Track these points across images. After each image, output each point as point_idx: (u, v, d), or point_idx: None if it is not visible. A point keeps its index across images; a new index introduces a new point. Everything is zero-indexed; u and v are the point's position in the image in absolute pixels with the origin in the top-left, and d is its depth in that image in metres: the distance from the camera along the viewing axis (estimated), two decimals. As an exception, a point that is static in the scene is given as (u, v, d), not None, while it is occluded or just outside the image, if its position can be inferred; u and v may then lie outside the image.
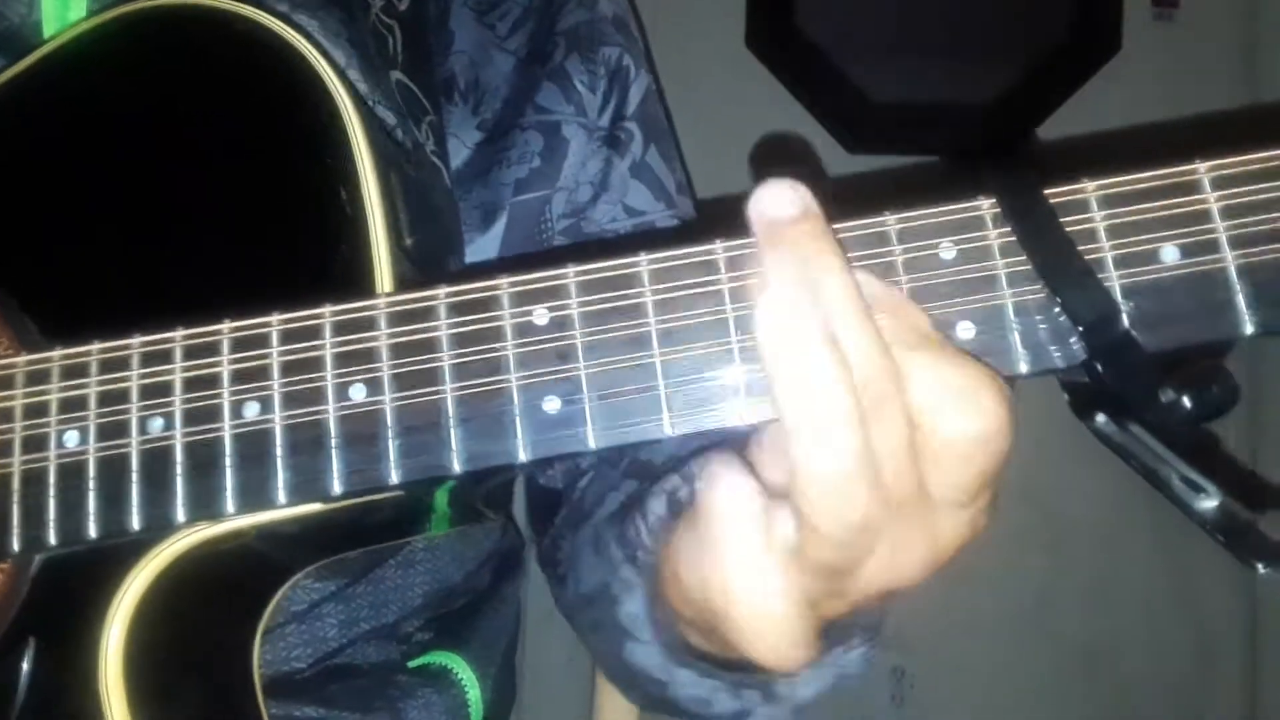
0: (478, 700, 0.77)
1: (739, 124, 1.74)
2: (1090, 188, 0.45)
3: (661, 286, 0.46)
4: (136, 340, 0.48)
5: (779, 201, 0.43)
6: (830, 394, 0.39)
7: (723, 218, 0.46)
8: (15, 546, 0.48)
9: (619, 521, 0.63)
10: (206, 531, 0.48)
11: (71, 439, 0.48)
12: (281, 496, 0.46)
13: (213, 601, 0.50)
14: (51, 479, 0.48)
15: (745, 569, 0.43)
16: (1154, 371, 0.40)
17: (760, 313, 0.41)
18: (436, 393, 0.46)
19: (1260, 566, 0.38)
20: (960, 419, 0.40)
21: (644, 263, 0.46)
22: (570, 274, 0.46)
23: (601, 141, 0.74)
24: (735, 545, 0.43)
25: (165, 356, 0.48)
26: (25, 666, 0.48)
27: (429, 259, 0.56)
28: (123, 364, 0.48)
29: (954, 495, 0.42)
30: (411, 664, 0.74)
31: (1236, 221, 0.43)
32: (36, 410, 0.49)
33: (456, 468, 0.45)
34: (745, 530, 0.43)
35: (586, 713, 0.98)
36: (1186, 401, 0.39)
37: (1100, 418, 0.44)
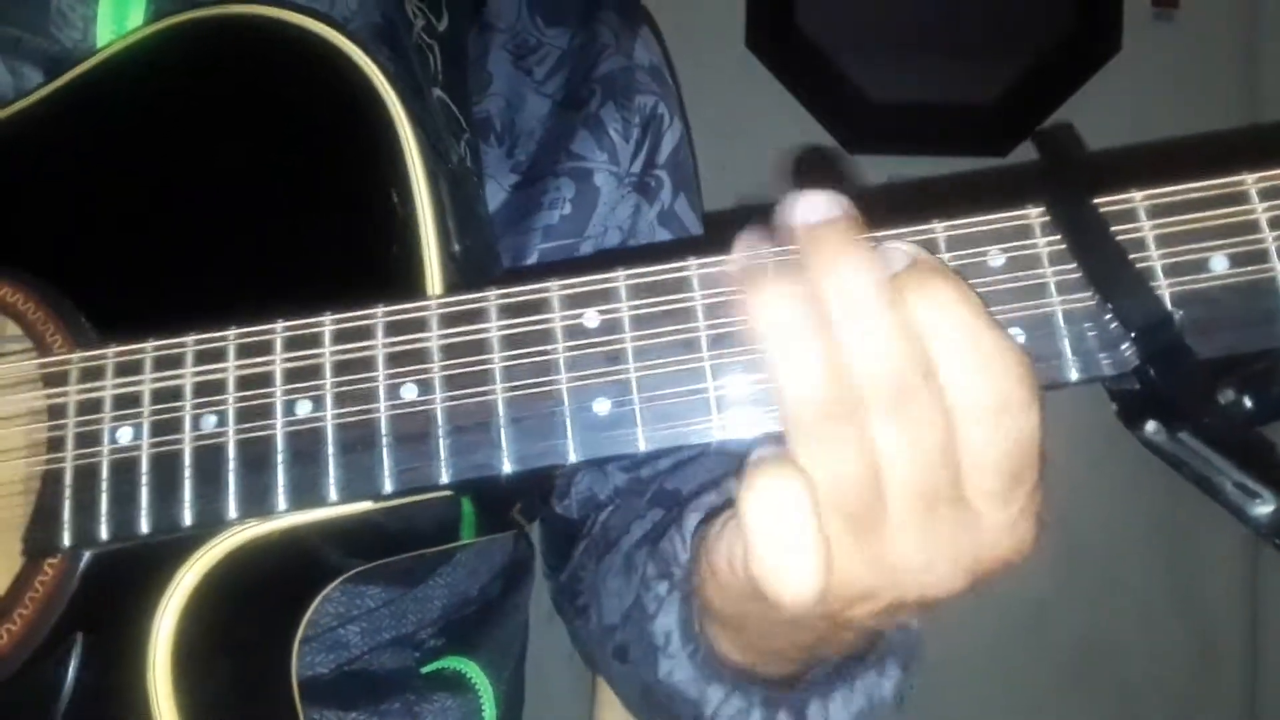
0: (492, 706, 0.77)
1: (739, 124, 1.75)
2: (1138, 197, 0.45)
3: (711, 291, 0.46)
4: (190, 338, 0.48)
5: (811, 206, 0.43)
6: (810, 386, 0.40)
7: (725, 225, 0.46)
8: (66, 541, 0.48)
9: (651, 542, 0.63)
10: (256, 529, 0.48)
11: (125, 435, 0.48)
12: (333, 494, 0.46)
13: (258, 600, 0.50)
14: (104, 474, 0.48)
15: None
16: (1210, 375, 0.41)
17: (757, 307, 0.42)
18: (487, 393, 0.46)
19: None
20: (979, 378, 0.41)
21: (693, 267, 0.46)
22: (620, 277, 0.47)
23: (631, 188, 0.75)
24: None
25: (219, 355, 0.48)
26: (73, 661, 0.48)
27: (474, 267, 0.56)
28: (177, 361, 0.48)
29: (991, 483, 0.42)
30: (426, 669, 0.75)
31: (1285, 232, 0.44)
32: (90, 406, 0.49)
33: (507, 468, 0.46)
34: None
35: (587, 713, 0.98)
36: (1247, 401, 0.40)
37: (1150, 426, 0.44)
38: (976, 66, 1.75)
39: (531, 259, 0.73)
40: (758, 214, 0.45)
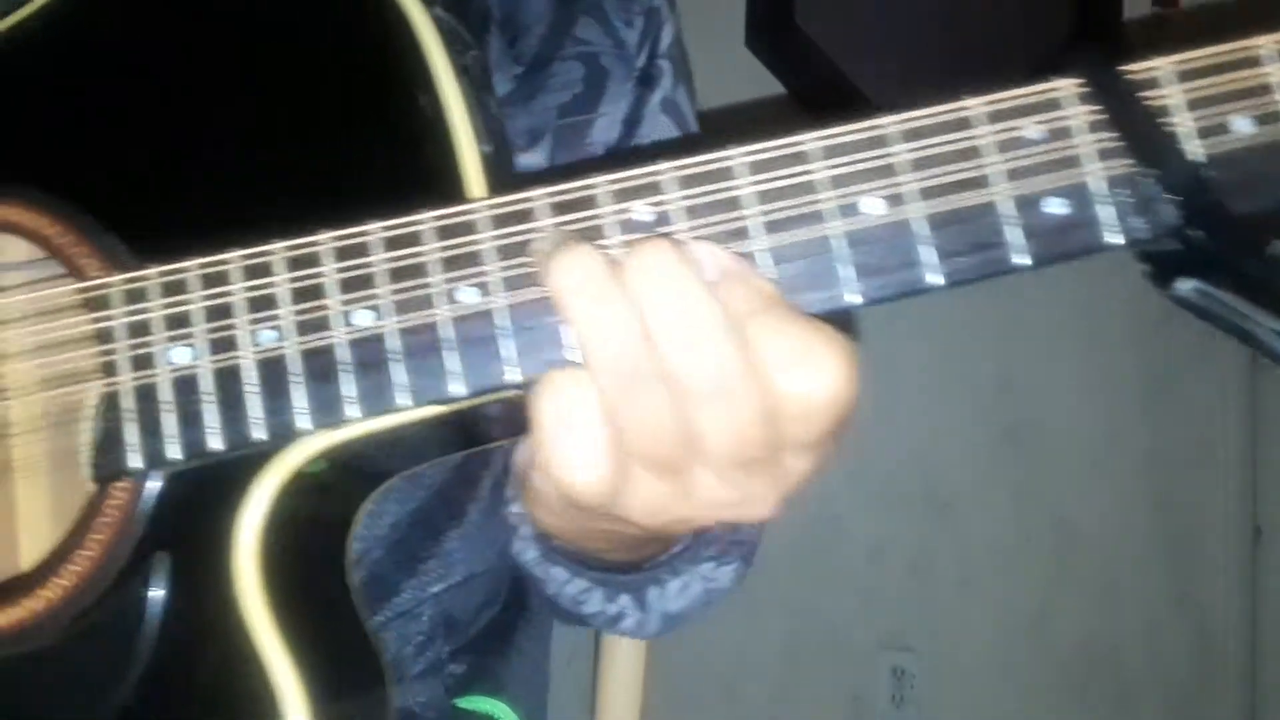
0: None
1: (739, 124, 1.75)
2: (1163, 65, 0.47)
3: (759, 179, 0.47)
4: (235, 254, 0.48)
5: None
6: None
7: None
8: (136, 464, 0.48)
9: None
10: (329, 438, 0.48)
11: (181, 355, 0.48)
12: (404, 401, 0.46)
13: (324, 505, 0.50)
14: (165, 396, 0.48)
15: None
16: (1254, 229, 0.42)
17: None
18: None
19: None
20: (804, 380, 0.43)
21: (737, 156, 0.47)
22: (666, 170, 0.47)
23: (636, 81, 0.76)
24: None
25: (266, 269, 0.48)
26: (159, 580, 0.48)
27: (502, 168, 0.56)
28: (224, 279, 0.48)
29: (802, 443, 0.45)
30: (460, 703, 0.75)
31: (1303, 90, 0.46)
32: (139, 329, 0.49)
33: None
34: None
35: (587, 713, 0.98)
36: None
37: (1185, 284, 0.45)
38: (976, 67, 1.76)
39: (548, 134, 0.74)
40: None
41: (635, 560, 0.60)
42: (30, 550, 0.54)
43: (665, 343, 0.42)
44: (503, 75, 0.74)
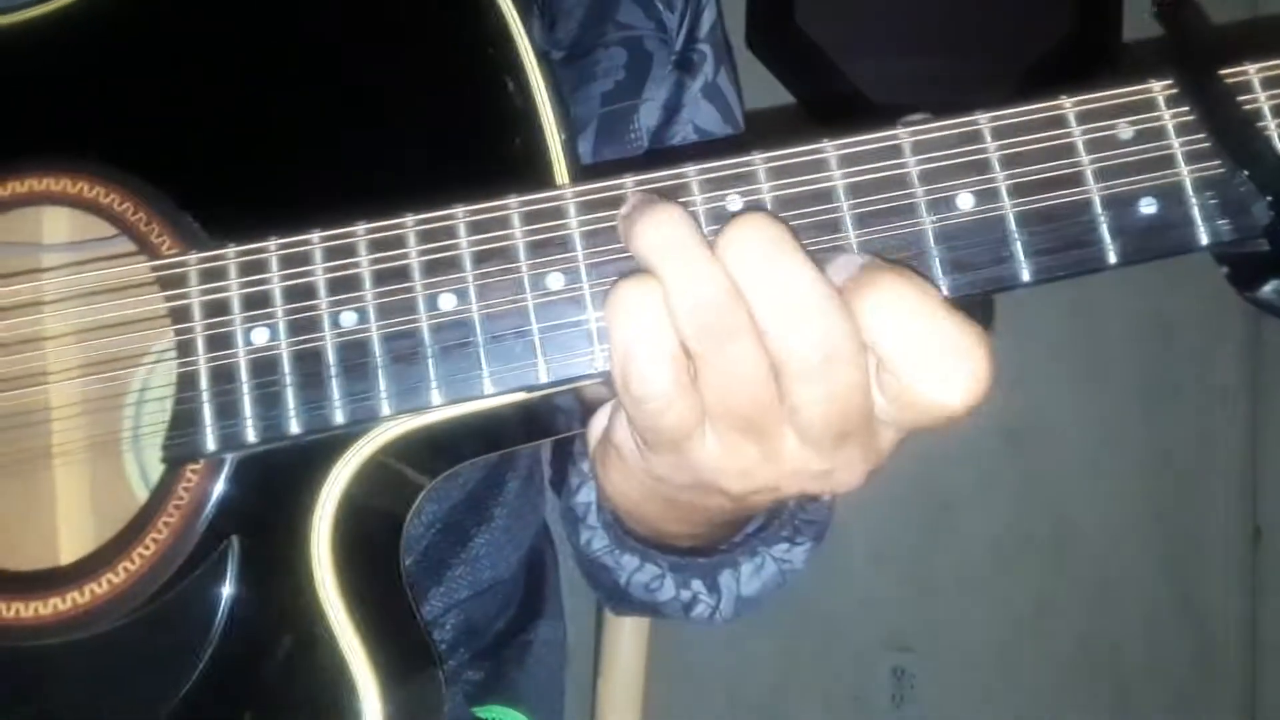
0: None
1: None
2: (1252, 70, 0.47)
3: (850, 171, 0.47)
4: (316, 234, 0.47)
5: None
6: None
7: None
8: (211, 445, 0.47)
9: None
10: (407, 425, 0.47)
11: (260, 336, 0.47)
12: (488, 387, 0.46)
13: (389, 492, 0.50)
14: (243, 377, 0.47)
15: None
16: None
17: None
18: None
19: None
20: (938, 389, 0.42)
21: (830, 148, 0.47)
22: (758, 160, 0.47)
23: (673, 65, 0.76)
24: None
25: (349, 250, 0.47)
26: (230, 565, 0.47)
27: (574, 155, 0.56)
28: (304, 259, 0.48)
29: (905, 425, 0.44)
30: (479, 712, 0.75)
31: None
32: (217, 308, 0.48)
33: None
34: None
35: (587, 713, 0.98)
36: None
37: (1270, 285, 0.46)
38: (976, 67, 1.76)
39: (592, 123, 0.73)
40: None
41: (708, 545, 0.59)
42: (69, 538, 0.53)
43: (765, 317, 0.41)
44: None
